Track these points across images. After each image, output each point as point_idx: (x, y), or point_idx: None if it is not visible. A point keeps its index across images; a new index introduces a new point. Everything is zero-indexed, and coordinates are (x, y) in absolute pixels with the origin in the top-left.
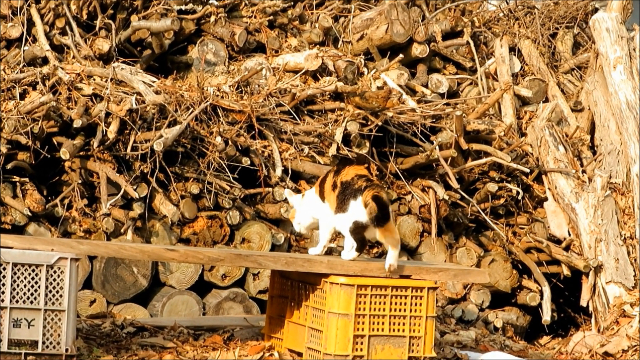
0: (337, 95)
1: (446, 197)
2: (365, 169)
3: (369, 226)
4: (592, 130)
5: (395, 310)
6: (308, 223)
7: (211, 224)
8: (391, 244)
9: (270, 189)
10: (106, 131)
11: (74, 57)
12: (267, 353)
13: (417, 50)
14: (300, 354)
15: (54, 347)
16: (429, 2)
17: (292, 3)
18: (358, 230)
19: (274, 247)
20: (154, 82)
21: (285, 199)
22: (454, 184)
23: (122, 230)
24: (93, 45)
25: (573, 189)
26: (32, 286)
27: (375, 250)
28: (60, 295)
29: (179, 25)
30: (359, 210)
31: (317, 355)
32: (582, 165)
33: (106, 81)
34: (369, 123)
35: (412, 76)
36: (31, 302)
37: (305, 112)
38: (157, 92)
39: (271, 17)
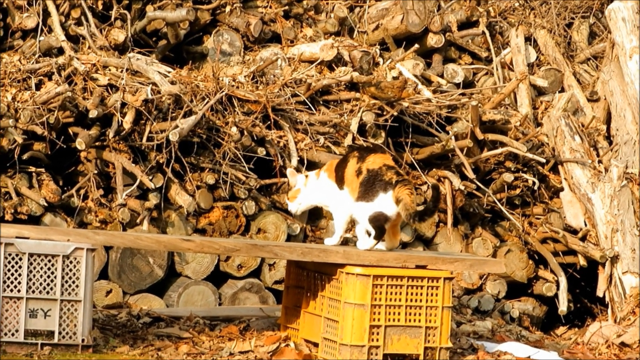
0: (352, 86)
1: (462, 188)
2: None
3: (392, 218)
4: (608, 120)
5: (411, 300)
6: (309, 205)
7: (227, 214)
8: (388, 238)
9: (285, 179)
10: (122, 121)
11: (89, 48)
12: (283, 343)
13: (433, 40)
14: (316, 344)
15: (70, 337)
16: None
17: None
18: (379, 219)
19: (290, 238)
20: (169, 72)
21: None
22: (470, 174)
23: (137, 221)
24: (108, 35)
25: (589, 179)
26: (49, 276)
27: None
28: (77, 286)
29: (194, 15)
30: (388, 203)
31: (333, 345)
32: (598, 155)
33: (122, 71)
34: (385, 113)
35: (427, 66)
36: (47, 293)
37: (321, 102)
38: (172, 83)
39: (286, 7)
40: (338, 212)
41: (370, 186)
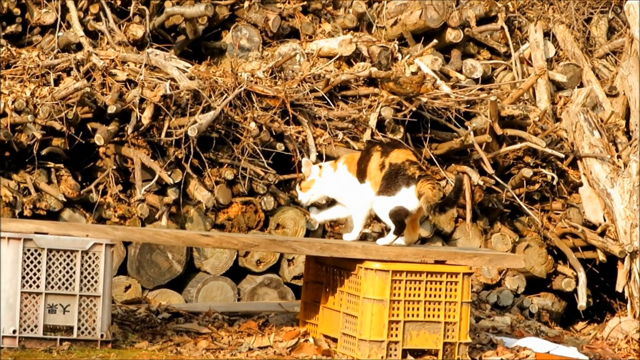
0: (371, 81)
1: (481, 183)
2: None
3: (412, 213)
4: (627, 116)
5: (430, 295)
6: (321, 197)
7: (245, 209)
8: (408, 232)
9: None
10: (140, 117)
11: (108, 43)
12: (302, 339)
13: (451, 35)
14: (335, 340)
15: (89, 332)
16: None
17: None
18: (399, 214)
19: (309, 233)
20: (187, 67)
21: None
22: (489, 170)
23: (156, 216)
24: (127, 31)
25: (608, 174)
26: (67, 272)
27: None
28: (95, 281)
29: (212, 10)
30: (409, 198)
31: (352, 340)
32: (617, 150)
33: (140, 67)
34: (403, 108)
35: (446, 61)
36: (66, 288)
37: (339, 97)
38: (191, 78)
39: (305, 3)
40: (358, 206)
41: (392, 180)
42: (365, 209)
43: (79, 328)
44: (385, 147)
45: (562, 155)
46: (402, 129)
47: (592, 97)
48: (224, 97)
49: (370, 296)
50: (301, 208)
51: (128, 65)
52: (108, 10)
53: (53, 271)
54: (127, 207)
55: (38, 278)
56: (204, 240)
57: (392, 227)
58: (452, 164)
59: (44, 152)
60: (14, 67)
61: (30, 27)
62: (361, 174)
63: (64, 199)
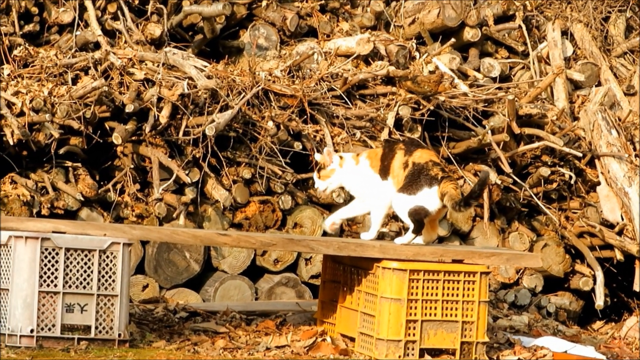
0: (388, 80)
1: (498, 182)
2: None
3: (432, 214)
4: None
5: (447, 295)
6: (338, 186)
7: (263, 208)
8: (426, 231)
9: None
10: (158, 116)
11: (125, 42)
12: (320, 338)
13: (469, 34)
14: (352, 339)
15: (107, 332)
16: None
17: None
18: (419, 213)
19: (326, 232)
20: (205, 66)
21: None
22: (507, 169)
23: (174, 215)
24: (145, 30)
25: (626, 173)
26: (85, 271)
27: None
28: (113, 280)
29: (230, 9)
30: (431, 198)
31: (369, 340)
32: (635, 149)
33: (158, 66)
34: (421, 107)
35: (464, 60)
36: (84, 287)
37: (357, 96)
38: (208, 77)
39: (323, 1)
40: (377, 204)
41: (414, 180)
42: (385, 206)
43: (96, 327)
44: (408, 145)
45: (580, 154)
46: (419, 128)
47: (610, 95)
48: (242, 96)
49: (388, 295)
50: (319, 207)
51: (146, 64)
52: (126, 9)
53: (71, 270)
54: (144, 206)
55: (56, 277)
56: (221, 239)
57: (411, 226)
58: (470, 163)
59: (61, 151)
60: (32, 66)
61: (48, 26)
62: (384, 171)
63: (82, 198)
